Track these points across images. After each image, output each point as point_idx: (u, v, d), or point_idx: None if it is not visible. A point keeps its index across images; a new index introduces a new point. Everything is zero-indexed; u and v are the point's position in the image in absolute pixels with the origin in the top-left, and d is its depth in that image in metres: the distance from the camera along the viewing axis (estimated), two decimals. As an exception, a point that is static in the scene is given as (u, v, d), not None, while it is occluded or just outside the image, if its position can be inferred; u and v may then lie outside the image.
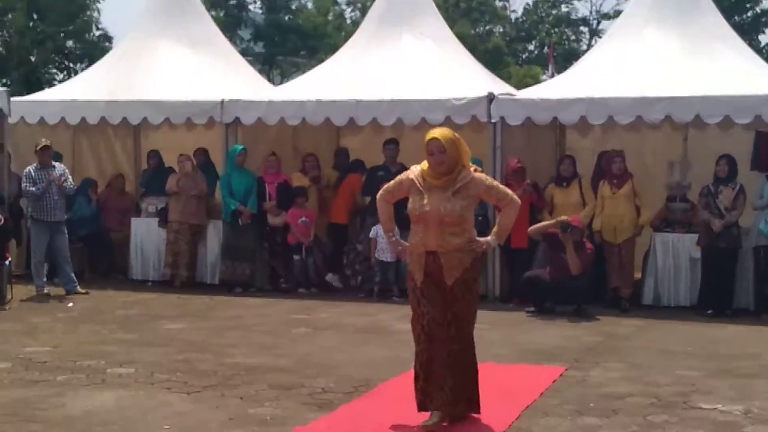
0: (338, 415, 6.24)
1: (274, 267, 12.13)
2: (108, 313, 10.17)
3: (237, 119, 12.12)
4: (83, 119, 12.67)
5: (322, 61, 15.52)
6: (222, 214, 12.01)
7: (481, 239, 5.87)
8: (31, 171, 11.13)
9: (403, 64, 12.18)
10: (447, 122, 11.46)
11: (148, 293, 11.69)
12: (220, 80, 12.92)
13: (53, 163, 11.33)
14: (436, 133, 5.72)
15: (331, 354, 8.17)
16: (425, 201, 5.72)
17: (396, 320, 9.82)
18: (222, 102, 12.08)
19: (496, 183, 5.95)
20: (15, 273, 11.42)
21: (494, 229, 5.94)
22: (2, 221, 10.61)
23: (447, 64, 12.33)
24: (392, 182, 6.00)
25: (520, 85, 22.81)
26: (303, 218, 11.91)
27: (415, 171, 5.83)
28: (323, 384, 7.03)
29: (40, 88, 20.64)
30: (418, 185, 5.78)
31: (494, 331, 9.34)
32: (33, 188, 10.97)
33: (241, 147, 11.86)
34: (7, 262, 10.74)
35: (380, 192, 6.07)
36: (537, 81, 31.01)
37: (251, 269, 11.92)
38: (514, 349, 8.56)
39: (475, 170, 5.82)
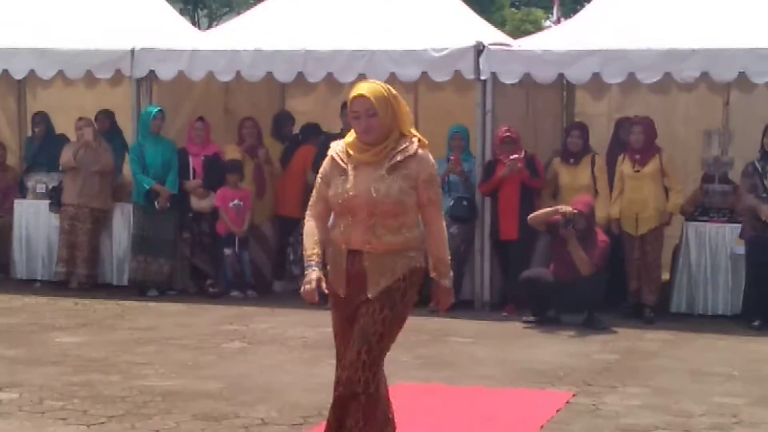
0: (282, 452, 6.24)
1: (198, 264, 12.09)
2: (-18, 323, 10.12)
3: (152, 73, 12.05)
4: (-51, 71, 12.55)
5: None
6: (132, 195, 11.95)
7: (441, 292, 5.58)
8: None
9: (368, 5, 12.18)
10: (423, 79, 11.55)
11: (36, 297, 11.61)
12: (129, 23, 12.82)
13: None
14: (363, 88, 5.38)
15: (272, 375, 8.18)
16: (349, 184, 5.40)
17: (356, 332, 9.83)
18: (132, 51, 11.99)
19: (437, 175, 5.56)
20: None
21: (441, 267, 5.54)
22: None
23: (424, 4, 12.32)
24: (317, 181, 5.62)
25: (516, 33, 22.94)
26: (236, 201, 11.91)
27: (336, 146, 5.55)
28: (263, 413, 7.04)
29: None
30: (340, 163, 5.46)
31: (482, 346, 9.36)
32: None
33: (157, 109, 11.81)
34: None
35: (309, 205, 5.66)
36: (538, 28, 31.21)
37: (169, 266, 11.90)
38: (509, 369, 8.59)
39: (421, 143, 5.46)
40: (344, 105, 11.80)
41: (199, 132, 11.97)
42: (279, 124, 12.80)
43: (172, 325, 10.11)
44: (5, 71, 12.47)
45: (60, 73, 12.46)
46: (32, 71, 12.43)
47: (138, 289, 11.82)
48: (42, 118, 13.26)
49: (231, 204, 11.90)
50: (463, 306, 11.12)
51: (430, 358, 8.94)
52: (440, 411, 7.26)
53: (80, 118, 12.28)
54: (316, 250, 5.48)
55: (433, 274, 5.53)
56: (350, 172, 5.41)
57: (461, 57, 11.19)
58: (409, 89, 12.71)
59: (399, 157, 5.36)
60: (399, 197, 5.34)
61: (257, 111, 12.85)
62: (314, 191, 5.62)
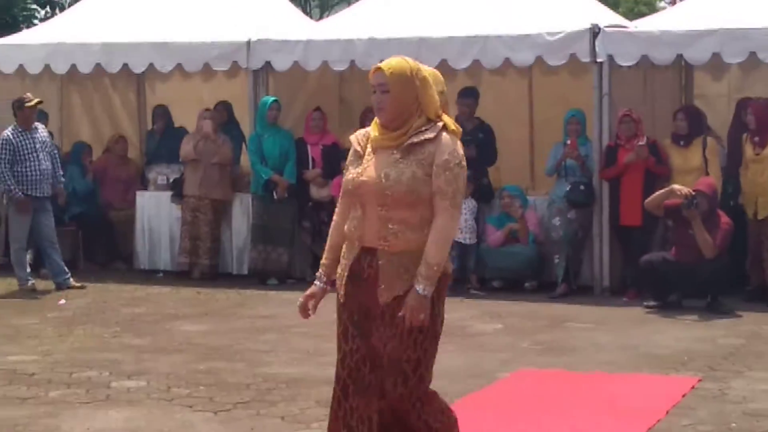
0: (406, 438, 6.25)
1: (318, 252, 12.18)
2: (110, 312, 10.33)
3: (267, 64, 12.16)
4: (73, 67, 12.81)
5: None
6: (251, 186, 12.10)
7: (408, 301, 4.74)
8: (10, 135, 11.29)
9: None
10: (538, 63, 11.46)
11: (160, 287, 11.82)
12: (245, 15, 12.95)
13: (36, 124, 11.50)
14: (385, 62, 4.88)
15: (393, 362, 8.19)
16: (361, 169, 4.87)
17: (475, 319, 9.85)
18: (248, 43, 12.13)
19: (459, 164, 4.78)
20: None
21: (422, 269, 4.73)
22: None
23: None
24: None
25: (630, 15, 22.59)
26: (353, 190, 11.94)
27: (359, 131, 5.07)
28: (386, 400, 7.06)
29: (17, 29, 20.89)
30: (358, 148, 4.96)
31: (603, 332, 9.28)
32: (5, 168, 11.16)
33: (272, 99, 11.91)
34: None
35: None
36: (653, 9, 30.70)
37: (289, 255, 12.01)
38: (631, 354, 8.50)
39: (447, 127, 4.83)
40: (461, 93, 11.84)
41: (317, 122, 12.05)
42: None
43: (292, 314, 10.08)
44: (125, 65, 12.69)
45: (178, 67, 12.65)
46: (151, 65, 12.64)
47: (258, 278, 11.95)
48: (162, 112, 13.51)
49: (348, 193, 11.93)
50: (582, 292, 11.07)
51: (550, 343, 8.88)
52: (563, 396, 7.21)
53: (207, 109, 12.47)
54: (325, 260, 5.07)
55: (418, 282, 4.71)
56: (366, 157, 4.88)
57: (577, 40, 11.08)
58: (523, 74, 12.72)
59: (415, 139, 4.77)
60: (411, 185, 4.73)
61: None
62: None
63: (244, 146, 12.57)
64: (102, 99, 14.46)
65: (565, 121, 11.29)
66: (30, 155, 11.19)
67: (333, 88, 13.17)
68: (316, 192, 12.01)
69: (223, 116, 12.85)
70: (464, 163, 4.77)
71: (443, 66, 11.62)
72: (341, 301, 4.99)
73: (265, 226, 11.92)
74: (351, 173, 4.89)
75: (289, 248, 11.99)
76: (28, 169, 11.20)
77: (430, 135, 4.75)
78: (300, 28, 12.98)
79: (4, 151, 11.19)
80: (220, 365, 8.07)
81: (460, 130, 4.88)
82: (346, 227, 4.93)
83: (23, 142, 11.24)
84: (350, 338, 4.95)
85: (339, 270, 4.99)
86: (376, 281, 4.80)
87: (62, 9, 26.65)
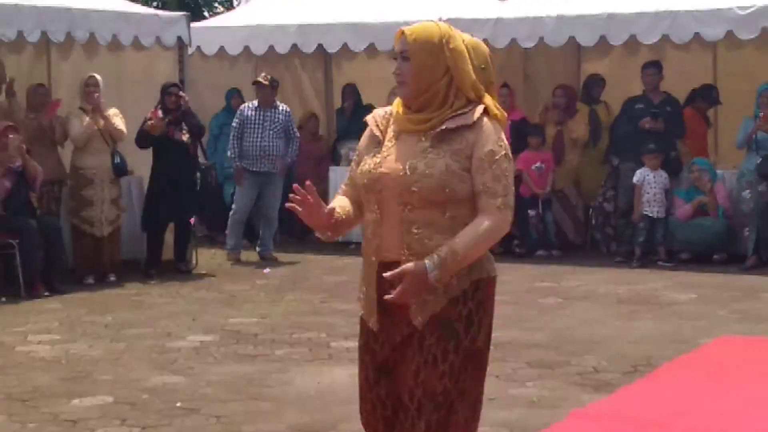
0: (621, 396, 6.55)
1: (504, 225, 12.45)
2: (314, 280, 10.87)
3: (451, 42, 12.46)
4: (271, 48, 13.38)
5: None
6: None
7: (407, 266, 3.72)
8: (244, 109, 12.01)
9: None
10: (728, 38, 11.48)
11: (354, 257, 12.23)
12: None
13: (276, 103, 12.14)
14: (410, 27, 3.93)
15: (593, 328, 8.48)
16: (379, 158, 3.89)
17: (668, 289, 10.05)
18: (439, 20, 12.41)
19: (507, 156, 3.83)
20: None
21: (443, 248, 3.72)
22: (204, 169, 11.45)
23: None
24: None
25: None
26: (538, 164, 12.21)
27: (377, 111, 4.05)
28: (593, 362, 7.35)
29: (199, 12, 21.68)
30: (376, 132, 3.97)
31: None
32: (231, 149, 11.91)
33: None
34: (192, 221, 11.55)
35: None
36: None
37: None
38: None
39: (491, 113, 3.87)
40: (645, 66, 11.97)
41: (505, 98, 12.27)
42: (589, 87, 12.90)
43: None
44: (320, 45, 13.18)
45: (368, 47, 13.07)
46: (345, 44, 13.10)
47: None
48: (351, 90, 13.93)
49: (533, 167, 12.22)
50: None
51: (747, 312, 9.00)
52: (766, 362, 7.37)
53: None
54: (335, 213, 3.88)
55: (430, 259, 3.69)
56: (386, 143, 3.92)
57: (768, 14, 11.10)
58: (707, 48, 12.69)
59: (450, 124, 3.82)
60: (444, 180, 3.76)
61: (555, 76, 13.10)
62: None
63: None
64: (292, 79, 15.00)
65: (758, 94, 11.29)
66: (254, 131, 11.82)
67: (518, 64, 13.39)
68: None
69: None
70: (510, 154, 3.86)
71: (631, 41, 11.83)
72: (365, 342, 3.96)
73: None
74: (367, 163, 3.90)
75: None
76: (249, 144, 11.87)
77: (468, 120, 3.82)
78: (488, 6, 13.21)
79: (234, 123, 12.01)
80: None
81: (505, 115, 3.94)
82: (363, 239, 3.95)
83: (252, 118, 11.88)
84: (370, 379, 3.95)
85: (362, 302, 3.97)
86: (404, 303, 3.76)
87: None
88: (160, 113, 10.98)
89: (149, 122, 10.92)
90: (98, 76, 10.84)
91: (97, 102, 10.72)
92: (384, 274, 3.71)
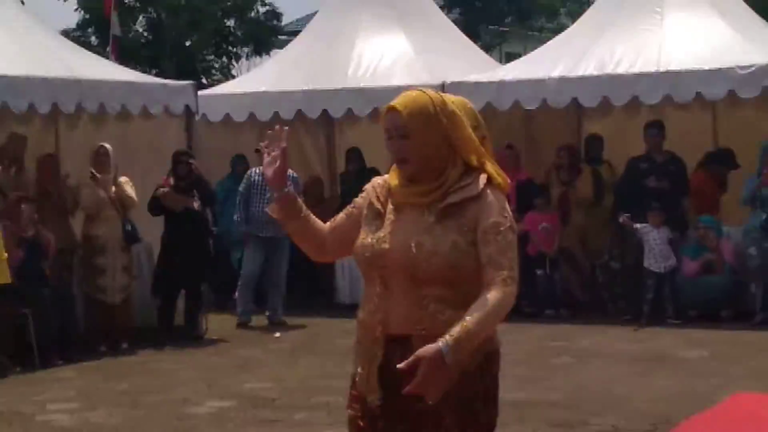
0: (644, 455, 6.58)
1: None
2: (325, 344, 10.89)
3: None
4: (276, 114, 13.50)
5: (537, 28, 15.83)
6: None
7: (420, 352, 3.49)
8: (251, 174, 12.05)
9: (669, 28, 12.34)
10: (729, 97, 11.62)
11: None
12: (437, 59, 13.47)
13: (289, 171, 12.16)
14: (397, 100, 3.78)
15: (609, 386, 8.52)
16: (383, 232, 3.79)
17: (679, 346, 10.11)
18: (443, 86, 12.59)
19: (511, 228, 3.72)
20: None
21: (456, 329, 3.51)
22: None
23: (725, 22, 12.38)
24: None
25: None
26: (544, 224, 12.28)
27: (376, 181, 3.96)
28: (612, 421, 7.40)
29: (197, 79, 21.78)
30: (376, 204, 3.86)
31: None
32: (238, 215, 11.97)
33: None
34: (202, 288, 11.59)
35: None
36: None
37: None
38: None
39: (491, 179, 3.77)
40: (648, 126, 12.09)
41: (510, 159, 12.37)
42: (589, 147, 13.00)
43: (506, 341, 10.52)
44: (324, 111, 13.32)
45: (374, 111, 13.19)
46: (349, 110, 13.23)
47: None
48: (356, 154, 14.02)
49: (540, 227, 12.29)
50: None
51: (760, 369, 9.04)
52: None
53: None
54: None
55: (444, 342, 3.47)
56: (388, 216, 3.80)
57: (768, 73, 11.23)
58: (707, 106, 12.79)
59: (454, 198, 3.72)
60: (452, 258, 3.66)
61: (557, 135, 13.20)
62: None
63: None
64: (295, 143, 15.06)
65: (762, 151, 11.39)
66: (261, 197, 11.88)
67: (520, 125, 13.49)
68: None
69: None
70: (515, 226, 3.75)
71: (633, 102, 11.96)
72: (363, 412, 3.82)
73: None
74: (369, 237, 3.79)
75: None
76: (256, 209, 11.90)
77: (473, 192, 3.72)
78: (490, 70, 13.40)
79: (242, 188, 12.09)
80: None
81: (508, 181, 3.83)
82: (359, 313, 3.83)
83: (259, 183, 11.87)
84: None
85: (359, 377, 3.82)
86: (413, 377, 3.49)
87: (238, 59, 27.62)
88: (171, 181, 11.08)
89: (161, 190, 11.01)
90: (108, 146, 10.95)
91: (108, 171, 10.82)
92: (398, 366, 3.49)
